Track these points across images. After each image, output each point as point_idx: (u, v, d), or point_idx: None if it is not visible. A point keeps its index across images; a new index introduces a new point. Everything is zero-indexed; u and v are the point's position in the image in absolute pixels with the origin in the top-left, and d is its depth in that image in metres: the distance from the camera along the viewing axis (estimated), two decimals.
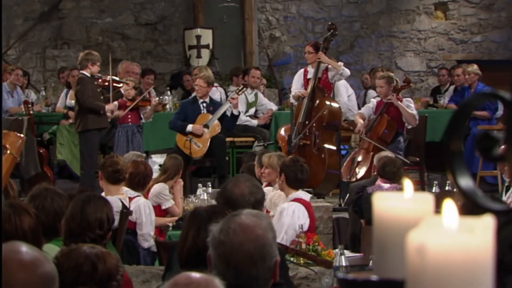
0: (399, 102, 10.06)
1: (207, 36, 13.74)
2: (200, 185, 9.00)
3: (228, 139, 11.03)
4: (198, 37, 13.71)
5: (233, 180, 4.25)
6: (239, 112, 10.87)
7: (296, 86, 10.78)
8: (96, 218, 3.92)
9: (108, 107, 10.20)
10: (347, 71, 10.50)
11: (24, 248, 2.26)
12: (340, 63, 10.58)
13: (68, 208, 3.92)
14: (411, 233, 0.94)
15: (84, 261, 2.83)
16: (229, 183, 4.20)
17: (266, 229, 2.70)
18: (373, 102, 10.56)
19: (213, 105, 10.76)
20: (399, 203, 1.13)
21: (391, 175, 7.94)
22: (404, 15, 15.14)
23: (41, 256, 2.27)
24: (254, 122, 11.68)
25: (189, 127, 10.46)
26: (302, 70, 10.93)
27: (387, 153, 8.88)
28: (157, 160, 11.32)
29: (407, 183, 1.14)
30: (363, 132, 10.15)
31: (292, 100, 10.76)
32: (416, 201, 1.13)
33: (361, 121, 10.31)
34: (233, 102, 10.56)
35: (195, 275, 2.14)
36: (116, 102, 10.47)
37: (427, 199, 1.13)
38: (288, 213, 6.55)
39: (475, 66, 12.02)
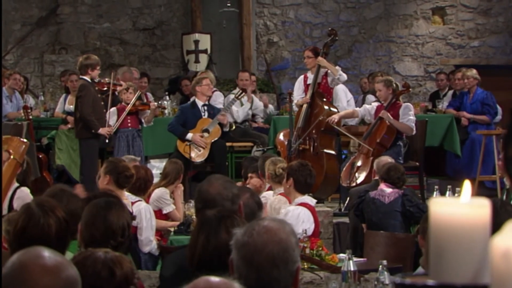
0: (390, 118, 10.02)
1: (205, 41, 13.75)
2: None
3: (227, 144, 11.06)
4: (196, 42, 13.71)
5: (206, 181, 4.23)
6: (230, 126, 11.02)
7: (298, 92, 10.82)
8: (119, 226, 3.88)
9: (102, 131, 10.14)
10: (344, 76, 10.53)
11: (47, 253, 2.26)
12: (337, 68, 10.60)
13: (86, 213, 3.87)
14: (496, 238, 0.94)
15: (101, 267, 2.80)
16: (203, 185, 4.19)
17: (289, 234, 2.73)
18: (373, 106, 10.57)
19: (213, 109, 10.82)
20: (455, 208, 1.13)
21: (395, 180, 7.99)
22: (402, 20, 15.16)
23: (64, 261, 2.27)
24: (247, 106, 11.79)
25: (189, 136, 10.47)
26: (302, 76, 10.97)
27: (387, 157, 8.90)
28: (156, 165, 11.32)
29: (466, 188, 1.14)
30: (334, 122, 10.12)
31: (295, 108, 10.77)
32: (472, 206, 1.13)
33: (342, 113, 10.32)
34: (222, 119, 10.64)
35: (215, 279, 2.13)
36: (112, 128, 10.38)
37: (483, 204, 1.14)
38: (293, 216, 6.54)
39: (474, 71, 12.03)
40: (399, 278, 1.14)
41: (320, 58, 10.40)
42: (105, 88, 10.44)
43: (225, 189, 4.03)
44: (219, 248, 3.23)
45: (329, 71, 10.53)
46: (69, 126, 11.56)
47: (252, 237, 2.69)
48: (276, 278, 2.68)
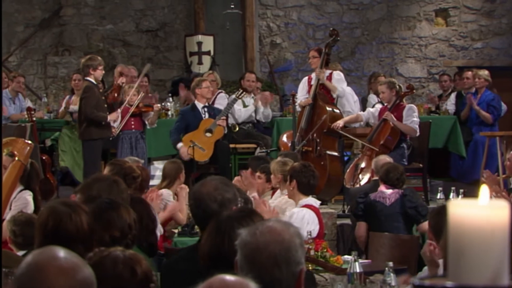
0: (394, 119, 10.03)
1: (208, 43, 13.74)
2: None
3: (230, 145, 11.07)
4: (199, 44, 13.70)
5: (202, 181, 4.22)
6: (234, 127, 11.18)
7: (302, 93, 10.84)
8: (132, 220, 3.88)
9: (111, 117, 10.18)
10: (342, 93, 10.56)
11: (62, 254, 2.25)
12: (336, 87, 10.50)
13: (97, 216, 3.82)
14: None
15: (123, 267, 2.76)
16: (197, 184, 4.20)
17: (293, 235, 2.72)
18: (376, 108, 10.57)
19: (213, 110, 10.85)
20: (474, 210, 1.13)
21: (395, 181, 7.96)
22: (405, 21, 15.16)
23: (79, 261, 2.27)
24: (251, 107, 11.75)
25: (179, 146, 10.50)
26: (306, 77, 10.98)
27: (385, 157, 8.88)
28: (159, 167, 11.32)
29: (484, 191, 1.14)
30: (339, 127, 10.14)
31: (298, 108, 10.78)
32: (491, 208, 1.13)
33: (347, 119, 10.35)
34: (221, 123, 10.68)
35: (230, 278, 2.12)
36: (119, 111, 10.47)
37: (502, 206, 1.14)
38: (298, 218, 6.53)
39: (487, 72, 12.04)
40: (418, 280, 1.14)
41: (321, 71, 10.34)
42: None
43: (215, 190, 4.00)
44: (232, 247, 3.20)
45: (334, 72, 10.59)
46: (73, 122, 11.58)
47: (255, 236, 2.69)
48: (278, 278, 2.67)
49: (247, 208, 3.81)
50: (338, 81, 10.59)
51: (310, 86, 10.70)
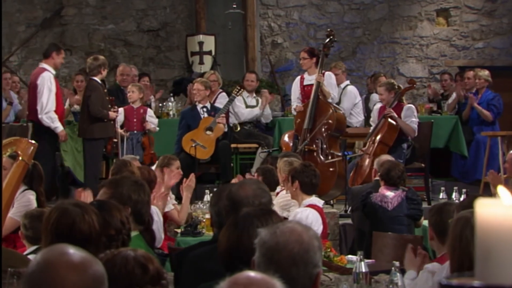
0: (395, 114, 10.03)
1: (209, 43, 13.75)
2: (207, 191, 9.02)
3: (231, 145, 11.09)
4: (201, 44, 13.71)
5: (240, 183, 4.30)
6: (235, 127, 11.26)
7: (294, 94, 10.80)
8: (125, 217, 3.90)
9: (111, 115, 10.19)
10: (335, 100, 10.60)
11: (71, 250, 2.25)
12: (330, 93, 10.50)
13: (93, 214, 3.83)
14: None
15: (134, 265, 2.77)
16: (235, 185, 4.24)
17: (313, 238, 2.75)
18: (375, 110, 10.58)
19: (214, 110, 10.87)
20: (502, 210, 1.13)
21: (396, 180, 7.92)
22: (406, 21, 15.16)
23: (89, 257, 2.26)
24: (256, 110, 11.73)
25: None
26: (299, 77, 10.95)
27: (387, 156, 8.86)
28: None
29: (503, 191, 1.14)
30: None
31: (294, 112, 10.77)
32: None
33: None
34: (221, 121, 10.71)
35: (255, 275, 2.12)
36: (121, 110, 10.52)
37: None
38: (302, 218, 6.53)
39: (487, 72, 12.04)
40: (445, 280, 1.15)
41: (319, 77, 10.32)
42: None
43: (254, 196, 4.05)
44: (250, 244, 3.19)
45: (326, 73, 10.59)
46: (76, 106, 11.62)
47: (275, 235, 2.73)
48: (294, 277, 2.68)
49: (267, 208, 3.82)
50: (330, 85, 10.56)
51: (302, 86, 10.68)
